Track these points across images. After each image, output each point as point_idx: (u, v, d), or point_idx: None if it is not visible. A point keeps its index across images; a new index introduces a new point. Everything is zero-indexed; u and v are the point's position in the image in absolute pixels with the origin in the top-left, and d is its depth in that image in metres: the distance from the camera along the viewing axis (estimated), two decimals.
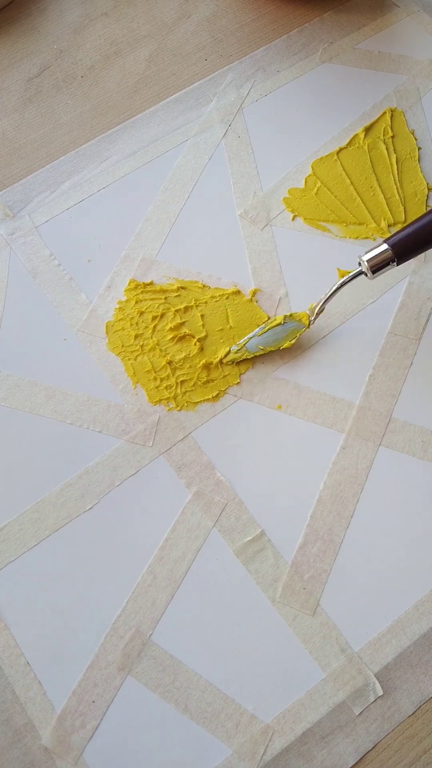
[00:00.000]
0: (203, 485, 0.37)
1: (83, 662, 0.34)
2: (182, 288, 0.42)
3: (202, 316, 0.41)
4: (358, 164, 0.46)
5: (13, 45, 0.51)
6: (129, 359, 0.40)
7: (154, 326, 0.41)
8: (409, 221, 0.44)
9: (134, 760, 0.32)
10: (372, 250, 0.37)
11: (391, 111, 0.48)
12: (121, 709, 0.33)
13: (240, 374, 0.40)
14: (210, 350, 0.40)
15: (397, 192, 0.45)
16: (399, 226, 0.44)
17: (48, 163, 0.46)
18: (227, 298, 0.42)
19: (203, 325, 0.41)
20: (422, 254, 0.43)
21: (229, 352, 0.40)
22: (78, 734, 0.32)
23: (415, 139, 0.47)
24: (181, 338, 0.40)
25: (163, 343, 0.40)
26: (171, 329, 0.41)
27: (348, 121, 0.47)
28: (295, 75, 0.49)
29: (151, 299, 0.42)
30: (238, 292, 0.42)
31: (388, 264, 0.37)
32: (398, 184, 0.45)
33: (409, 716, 0.33)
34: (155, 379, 0.39)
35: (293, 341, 0.40)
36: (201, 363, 0.40)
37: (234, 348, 0.40)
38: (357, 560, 0.36)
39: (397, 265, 0.37)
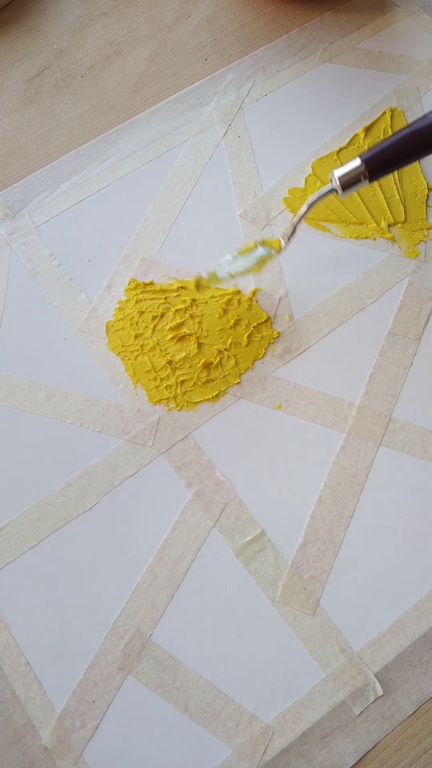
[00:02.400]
0: (203, 485, 0.37)
1: (83, 662, 0.34)
2: (182, 288, 0.42)
3: (202, 315, 0.41)
4: None
5: (14, 45, 0.51)
6: (129, 359, 0.40)
7: (154, 326, 0.41)
8: (409, 221, 0.44)
9: (134, 760, 0.32)
10: (344, 166, 0.36)
11: (391, 111, 0.48)
12: (121, 709, 0.33)
13: (240, 374, 0.40)
14: (210, 350, 0.40)
15: (397, 192, 0.45)
16: (399, 226, 0.44)
17: (48, 163, 0.46)
18: (227, 297, 0.42)
19: (203, 325, 0.41)
20: (422, 253, 0.43)
21: (199, 281, 0.39)
22: (78, 734, 0.32)
23: None
24: (181, 338, 0.40)
25: (163, 343, 0.40)
26: (171, 329, 0.41)
27: (348, 120, 0.47)
28: (295, 75, 0.49)
29: (151, 299, 0.42)
30: (238, 292, 0.42)
31: (360, 180, 0.36)
32: (398, 184, 0.45)
33: (409, 716, 0.33)
34: (155, 379, 0.39)
35: (263, 267, 0.39)
36: (201, 363, 0.40)
37: (205, 275, 0.38)
38: (357, 560, 0.36)
39: (370, 182, 0.36)
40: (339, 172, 0.36)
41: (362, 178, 0.36)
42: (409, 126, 0.36)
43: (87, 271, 0.43)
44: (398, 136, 0.35)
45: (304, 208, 0.37)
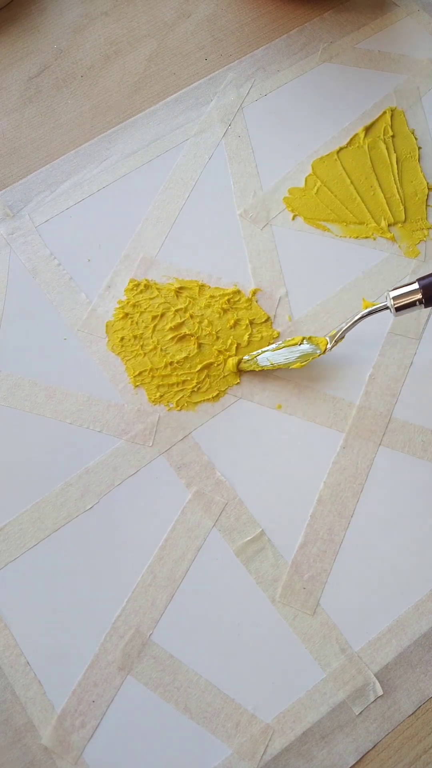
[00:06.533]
0: (203, 485, 0.37)
1: (83, 662, 0.34)
2: (182, 288, 0.42)
3: (201, 316, 0.41)
4: (359, 164, 0.46)
5: (13, 44, 0.51)
6: (129, 359, 0.40)
7: (154, 326, 0.41)
8: (409, 221, 0.44)
9: (134, 760, 0.32)
10: (401, 287, 0.35)
11: (391, 110, 0.48)
12: (121, 709, 0.33)
13: (240, 374, 0.40)
14: (210, 350, 0.40)
15: (398, 191, 0.45)
16: (399, 226, 0.44)
17: (48, 163, 0.46)
18: (227, 297, 0.42)
19: (203, 325, 0.41)
20: (423, 253, 0.43)
21: (240, 360, 0.39)
22: (78, 734, 0.32)
23: (416, 139, 0.47)
24: (181, 338, 0.40)
25: (163, 343, 0.40)
26: (171, 329, 0.41)
27: (348, 120, 0.47)
28: (295, 74, 0.49)
29: (151, 299, 0.42)
30: (238, 292, 0.42)
31: (415, 305, 0.35)
32: (398, 184, 0.45)
33: (409, 716, 0.33)
34: (155, 378, 0.39)
35: (305, 364, 0.39)
36: (201, 363, 0.40)
37: (246, 357, 0.39)
38: (357, 560, 0.36)
39: (425, 307, 0.35)
40: (395, 293, 0.35)
41: (418, 303, 0.35)
42: None
43: (87, 271, 0.43)
44: None
45: (354, 318, 0.37)
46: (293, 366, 0.39)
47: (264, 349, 0.39)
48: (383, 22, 0.51)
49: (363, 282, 0.42)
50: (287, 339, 0.40)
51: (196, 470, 0.37)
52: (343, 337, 0.38)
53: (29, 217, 0.44)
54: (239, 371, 0.40)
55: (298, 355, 0.39)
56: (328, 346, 0.38)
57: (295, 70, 0.49)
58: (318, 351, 0.39)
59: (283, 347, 0.39)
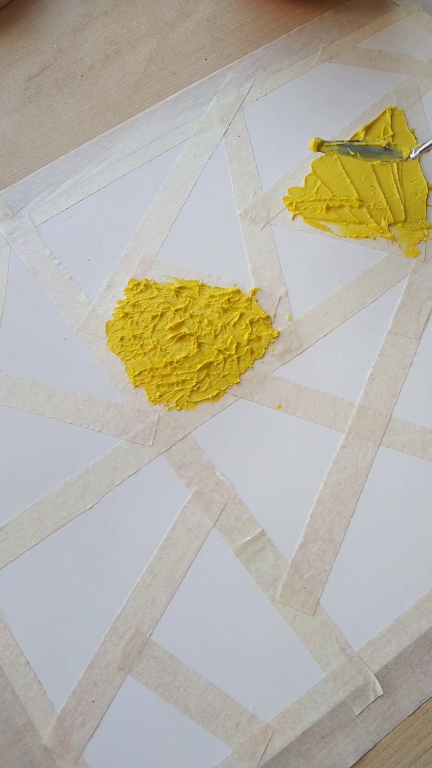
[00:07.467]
0: (203, 485, 0.37)
1: (83, 662, 0.34)
2: (182, 287, 0.42)
3: (201, 315, 0.41)
4: (359, 163, 0.46)
5: (13, 44, 0.51)
6: (129, 359, 0.40)
7: (154, 326, 0.41)
8: (409, 221, 0.44)
9: (134, 760, 0.32)
10: None
11: (392, 110, 0.48)
12: (121, 709, 0.33)
13: (240, 374, 0.40)
14: (210, 350, 0.40)
15: (398, 191, 0.45)
16: (399, 226, 0.44)
17: (48, 163, 0.46)
18: (227, 297, 0.42)
19: (203, 325, 0.41)
20: (423, 253, 0.43)
21: (323, 142, 0.39)
22: (78, 734, 0.32)
23: (416, 138, 0.47)
24: (181, 338, 0.40)
25: (163, 342, 0.40)
26: (171, 329, 0.41)
27: (348, 120, 0.47)
28: (295, 74, 0.49)
29: (151, 299, 0.42)
30: (238, 292, 0.42)
31: None
32: (398, 184, 0.45)
33: (409, 716, 0.33)
34: (155, 378, 0.39)
35: (384, 163, 0.39)
36: (201, 363, 0.40)
37: (327, 140, 0.39)
38: (357, 560, 0.36)
39: None
40: None
41: None
42: None
43: (87, 270, 0.43)
44: None
45: None
46: (371, 161, 0.39)
47: (346, 140, 0.39)
48: (383, 21, 0.51)
49: (363, 282, 0.42)
50: (372, 137, 0.40)
51: (196, 470, 0.37)
52: (428, 151, 0.39)
53: (29, 217, 0.44)
54: (318, 149, 0.39)
55: (380, 154, 0.39)
56: (411, 155, 0.39)
57: (295, 69, 0.49)
58: (400, 157, 0.39)
59: (368, 144, 0.40)
